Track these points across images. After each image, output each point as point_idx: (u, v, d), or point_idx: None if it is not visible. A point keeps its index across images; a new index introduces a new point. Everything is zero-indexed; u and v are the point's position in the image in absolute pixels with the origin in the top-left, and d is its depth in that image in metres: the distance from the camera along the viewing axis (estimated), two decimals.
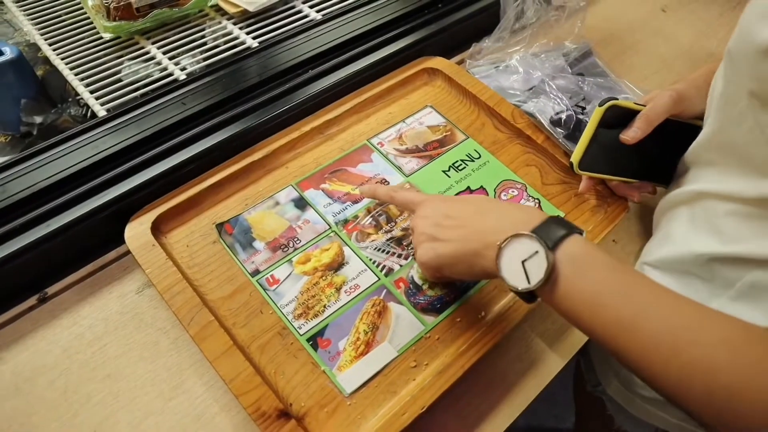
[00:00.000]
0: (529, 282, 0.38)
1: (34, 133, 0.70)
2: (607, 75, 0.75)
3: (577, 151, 0.55)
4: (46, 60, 0.76)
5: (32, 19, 0.76)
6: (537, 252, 0.38)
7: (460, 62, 0.74)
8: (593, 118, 0.54)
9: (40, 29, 0.75)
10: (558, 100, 0.67)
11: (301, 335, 0.49)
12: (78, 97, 0.72)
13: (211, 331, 0.47)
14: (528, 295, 0.39)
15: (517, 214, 0.42)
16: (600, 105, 0.53)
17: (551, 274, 0.37)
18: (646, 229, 0.61)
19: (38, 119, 0.74)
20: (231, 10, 0.78)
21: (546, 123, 0.64)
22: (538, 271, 0.38)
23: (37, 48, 0.76)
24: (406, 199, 0.50)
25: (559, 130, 0.64)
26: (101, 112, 0.64)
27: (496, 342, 0.48)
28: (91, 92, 0.66)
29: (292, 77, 0.65)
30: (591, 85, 0.71)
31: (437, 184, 0.60)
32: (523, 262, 0.39)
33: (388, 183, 0.60)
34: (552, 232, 0.38)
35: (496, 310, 0.51)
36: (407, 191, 0.52)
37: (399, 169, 0.61)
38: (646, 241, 0.57)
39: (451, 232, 0.44)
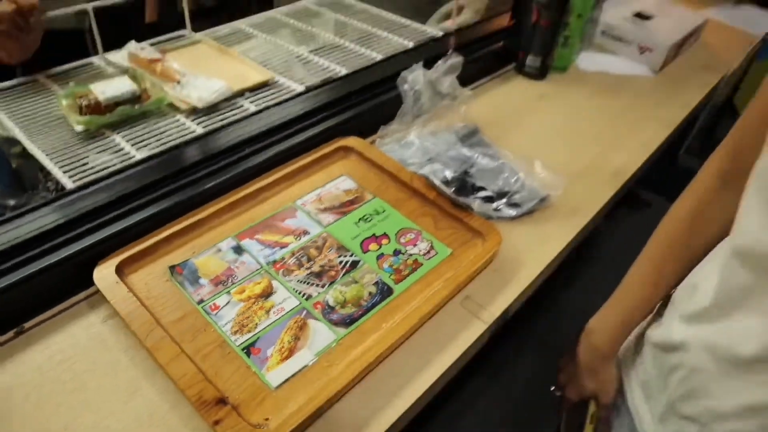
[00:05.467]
0: None
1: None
2: (491, 147, 0.94)
3: None
4: (20, 154, 0.90)
5: (14, 118, 0.90)
6: None
7: (372, 142, 0.92)
8: None
9: (20, 125, 0.89)
10: (449, 165, 0.85)
11: (237, 346, 0.61)
12: (48, 179, 0.86)
13: (164, 344, 0.59)
14: None
15: None
16: None
17: None
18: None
19: (11, 202, 0.87)
20: (183, 107, 0.94)
21: (438, 182, 0.81)
22: None
23: (11, 144, 0.91)
24: None
25: (449, 188, 0.81)
26: (69, 185, 0.77)
27: (389, 344, 0.61)
28: (63, 172, 0.80)
29: (231, 155, 0.81)
30: (477, 154, 0.89)
31: (349, 233, 0.75)
32: None
33: (309, 234, 0.75)
34: None
35: (395, 320, 0.64)
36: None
37: (318, 222, 0.76)
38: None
39: None
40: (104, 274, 0.65)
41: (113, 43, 1.09)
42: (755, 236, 0.47)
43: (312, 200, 0.80)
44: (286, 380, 0.58)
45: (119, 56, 1.06)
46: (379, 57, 1.11)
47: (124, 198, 0.72)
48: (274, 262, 0.70)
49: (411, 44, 1.18)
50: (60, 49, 1.07)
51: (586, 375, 0.70)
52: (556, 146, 1.01)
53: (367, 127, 0.94)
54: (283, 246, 0.73)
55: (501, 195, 0.84)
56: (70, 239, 0.67)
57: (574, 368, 0.72)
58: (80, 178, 0.78)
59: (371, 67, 1.05)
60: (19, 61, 0.97)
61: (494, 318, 0.69)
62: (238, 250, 0.71)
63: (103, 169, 0.80)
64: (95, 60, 1.08)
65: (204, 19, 1.42)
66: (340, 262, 0.71)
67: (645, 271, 0.66)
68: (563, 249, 0.81)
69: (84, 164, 0.82)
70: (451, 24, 1.34)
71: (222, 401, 0.55)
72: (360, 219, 0.77)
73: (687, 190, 0.63)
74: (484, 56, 1.21)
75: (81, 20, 1.14)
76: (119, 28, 1.14)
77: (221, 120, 0.91)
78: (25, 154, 0.88)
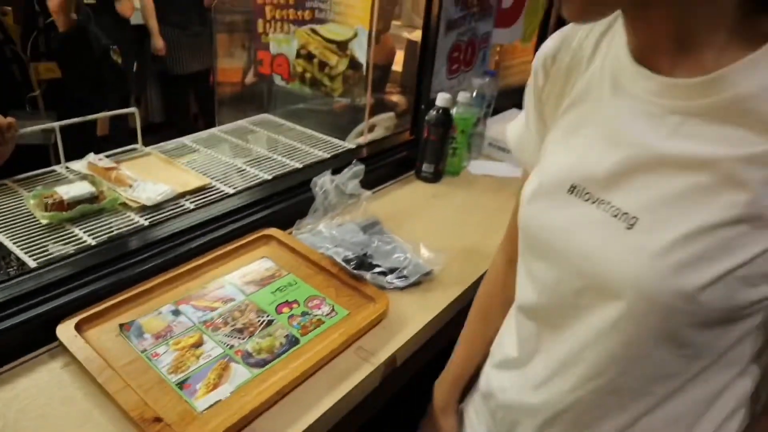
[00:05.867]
0: None
1: None
2: (388, 234, 1.17)
3: None
4: None
5: None
6: None
7: (290, 232, 1.14)
8: None
9: None
10: (350, 248, 1.07)
11: (172, 382, 0.78)
12: (9, 267, 1.02)
13: (113, 380, 0.75)
14: None
15: None
16: None
17: None
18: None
19: None
20: (134, 205, 1.14)
21: (339, 260, 1.03)
22: None
23: None
24: None
25: (349, 265, 1.02)
26: (32, 264, 0.94)
27: (293, 378, 0.79)
28: (28, 255, 0.97)
29: (171, 242, 1.01)
30: (376, 241, 1.12)
31: (267, 300, 0.95)
32: None
33: (234, 300, 0.94)
34: None
35: (299, 362, 0.83)
36: None
37: (242, 291, 0.96)
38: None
39: None
40: (65, 330, 0.81)
41: (72, 154, 1.30)
42: (526, 298, 0.67)
43: (238, 276, 0.99)
44: (210, 406, 0.75)
45: (79, 165, 1.26)
46: (299, 165, 1.35)
47: (81, 272, 0.90)
48: (205, 321, 0.89)
49: (327, 155, 1.43)
50: (25, 161, 1.27)
51: (430, 429, 0.87)
52: (444, 233, 1.25)
53: (285, 221, 1.15)
54: (213, 309, 0.91)
55: (392, 270, 1.06)
56: (37, 303, 0.84)
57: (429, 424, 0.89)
58: (41, 258, 0.96)
59: (291, 173, 1.29)
60: None
61: (380, 362, 0.88)
62: (176, 312, 0.89)
63: (61, 252, 0.98)
64: (57, 168, 1.27)
65: (154, 134, 1.66)
66: (259, 321, 0.90)
67: (467, 330, 0.86)
68: (441, 311, 1.02)
69: (45, 249, 1.00)
70: (363, 139, 1.62)
71: (158, 419, 0.71)
72: (276, 289, 0.97)
73: (489, 268, 0.84)
74: (390, 164, 1.47)
75: (48, 137, 1.35)
76: (78, 142, 1.35)
77: (165, 215, 1.11)
78: None
